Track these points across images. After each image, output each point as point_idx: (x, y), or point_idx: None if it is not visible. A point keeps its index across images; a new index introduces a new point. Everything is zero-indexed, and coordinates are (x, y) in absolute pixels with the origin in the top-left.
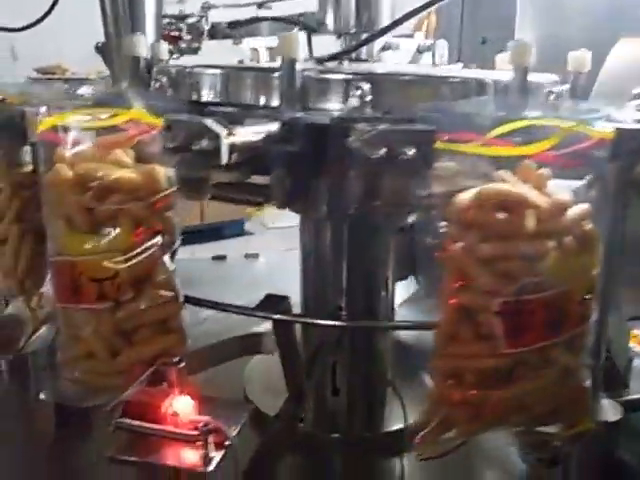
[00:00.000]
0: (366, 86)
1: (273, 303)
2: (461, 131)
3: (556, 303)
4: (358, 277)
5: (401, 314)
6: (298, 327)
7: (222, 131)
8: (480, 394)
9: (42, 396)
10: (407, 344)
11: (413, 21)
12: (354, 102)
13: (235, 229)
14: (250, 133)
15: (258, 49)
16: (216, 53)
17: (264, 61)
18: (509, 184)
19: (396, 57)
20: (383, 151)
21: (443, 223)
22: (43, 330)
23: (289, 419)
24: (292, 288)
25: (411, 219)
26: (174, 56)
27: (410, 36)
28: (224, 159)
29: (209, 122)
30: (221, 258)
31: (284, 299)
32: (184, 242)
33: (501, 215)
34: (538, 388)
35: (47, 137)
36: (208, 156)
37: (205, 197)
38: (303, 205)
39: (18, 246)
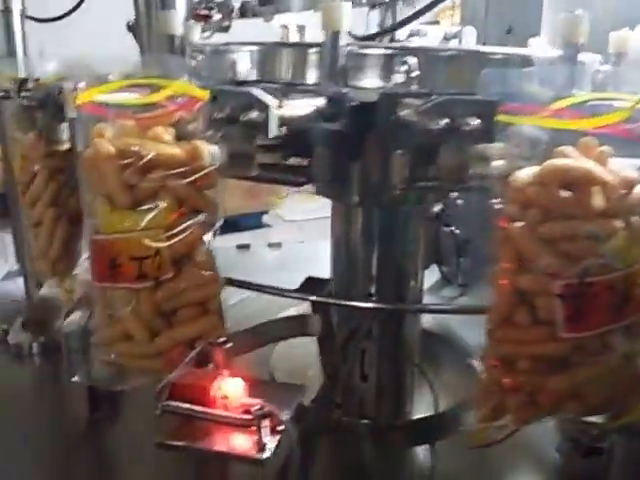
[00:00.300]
0: (412, 61)
1: (314, 286)
2: (523, 102)
3: (620, 286)
4: (388, 264)
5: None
6: None
7: (272, 102)
8: (535, 381)
9: (75, 379)
10: (431, 332)
11: (436, 9)
12: (400, 78)
13: (254, 221)
14: (298, 107)
15: (288, 26)
16: (246, 31)
17: (294, 38)
18: (573, 160)
19: (422, 43)
20: (444, 122)
21: (498, 201)
22: (77, 313)
23: (326, 405)
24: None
25: (436, 208)
26: (204, 35)
27: (436, 23)
28: (273, 131)
29: (258, 92)
30: (245, 247)
31: (324, 282)
32: None
33: (565, 192)
34: (596, 375)
35: (86, 111)
36: (256, 128)
37: (251, 173)
38: (345, 185)
39: (52, 229)
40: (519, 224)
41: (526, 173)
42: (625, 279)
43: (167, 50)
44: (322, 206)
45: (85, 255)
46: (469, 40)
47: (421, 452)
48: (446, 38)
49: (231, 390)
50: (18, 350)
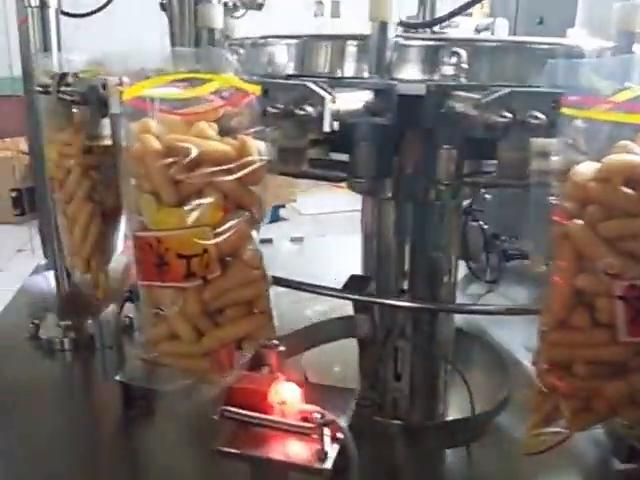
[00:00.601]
0: (462, 52)
1: (357, 284)
2: (586, 94)
3: None
4: (421, 260)
5: None
6: None
7: (327, 95)
8: (592, 386)
9: (118, 377)
10: (461, 330)
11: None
12: (448, 70)
13: (271, 215)
14: (349, 101)
15: (323, 1)
16: (281, 9)
17: (328, 13)
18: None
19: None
20: (507, 116)
21: (556, 197)
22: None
23: (370, 406)
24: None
25: (465, 202)
26: (238, 13)
27: (468, 15)
28: (327, 126)
29: (313, 85)
30: (267, 241)
31: (368, 280)
32: None
33: (629, 190)
34: None
35: (132, 106)
36: (309, 123)
37: (301, 169)
38: (390, 181)
39: (87, 225)
40: (578, 222)
41: (586, 168)
42: None
43: (207, 43)
44: (337, 200)
45: (118, 251)
46: (501, 32)
47: (455, 454)
48: (477, 30)
49: (288, 395)
50: (50, 345)
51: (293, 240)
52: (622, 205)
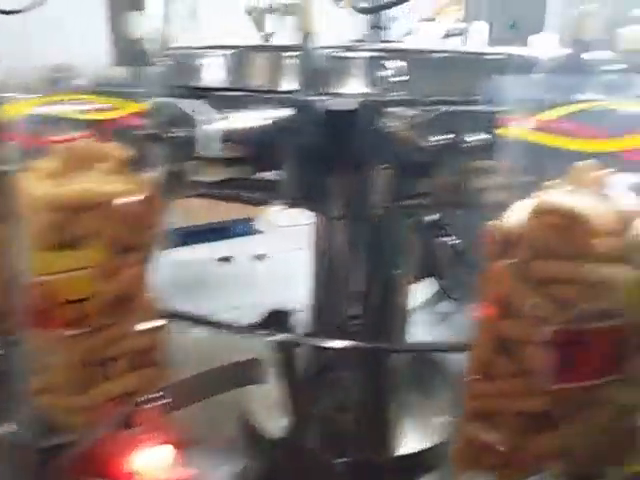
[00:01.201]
0: (397, 64)
1: (278, 320)
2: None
3: (619, 334)
4: (372, 283)
5: (418, 319)
6: None
7: (202, 116)
8: (516, 438)
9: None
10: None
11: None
12: (384, 83)
13: (244, 227)
14: (252, 119)
15: None
16: None
17: None
18: (565, 194)
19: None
20: (442, 138)
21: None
22: None
23: (293, 443)
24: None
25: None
26: None
27: (431, 20)
28: (201, 148)
29: (185, 105)
30: (226, 260)
31: (288, 315)
32: (192, 242)
33: (557, 232)
34: (586, 431)
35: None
36: (187, 145)
37: (187, 194)
38: (321, 204)
39: None
40: (504, 262)
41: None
42: (627, 326)
43: (133, 55)
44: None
45: None
46: (477, 37)
47: None
48: (448, 35)
49: (146, 463)
50: None
51: (256, 258)
52: (549, 246)
